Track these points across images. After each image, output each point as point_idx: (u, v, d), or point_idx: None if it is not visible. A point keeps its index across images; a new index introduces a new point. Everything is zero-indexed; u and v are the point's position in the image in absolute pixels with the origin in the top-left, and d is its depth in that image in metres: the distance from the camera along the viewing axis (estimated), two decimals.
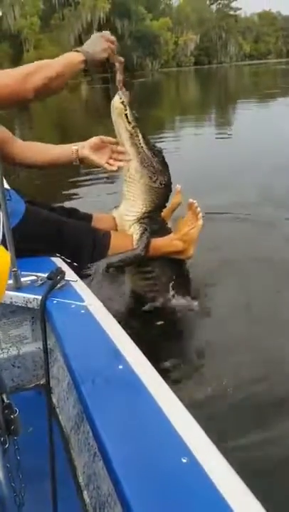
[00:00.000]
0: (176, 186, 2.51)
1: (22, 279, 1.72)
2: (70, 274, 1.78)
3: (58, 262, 2.02)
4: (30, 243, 1.99)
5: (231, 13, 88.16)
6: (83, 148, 2.16)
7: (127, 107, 2.11)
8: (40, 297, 1.55)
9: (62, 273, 1.68)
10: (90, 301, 1.58)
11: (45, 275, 1.69)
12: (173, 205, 2.56)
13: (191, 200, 2.40)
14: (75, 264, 2.12)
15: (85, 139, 2.19)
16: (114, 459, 0.90)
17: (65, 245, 2.14)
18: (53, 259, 2.05)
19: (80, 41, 58.13)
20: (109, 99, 2.19)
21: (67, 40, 57.08)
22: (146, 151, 2.20)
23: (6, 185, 1.95)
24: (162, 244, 2.37)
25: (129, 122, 2.12)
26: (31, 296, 1.69)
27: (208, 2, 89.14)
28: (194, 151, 7.96)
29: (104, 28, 58.88)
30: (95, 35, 1.97)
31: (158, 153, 2.27)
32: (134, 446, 0.94)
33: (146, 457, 0.91)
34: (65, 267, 1.87)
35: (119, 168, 2.18)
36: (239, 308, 2.58)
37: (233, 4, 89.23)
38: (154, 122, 13.16)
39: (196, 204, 2.39)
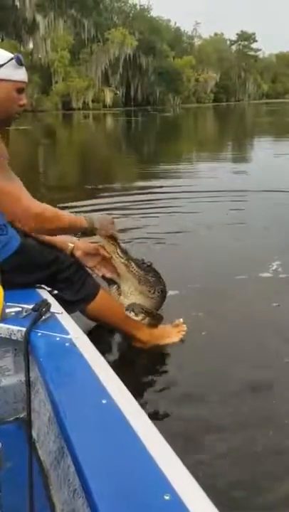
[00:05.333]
0: (180, 320, 2.69)
1: (6, 310, 1.69)
2: (55, 306, 1.76)
3: (44, 293, 2.00)
4: (21, 276, 2.04)
5: (251, 53, 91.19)
6: (78, 249, 2.38)
7: (117, 246, 2.39)
8: (24, 329, 1.54)
9: (48, 305, 1.68)
10: (74, 334, 1.55)
11: (30, 307, 1.68)
12: None
13: (181, 320, 2.65)
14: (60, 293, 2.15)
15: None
16: (95, 495, 0.88)
17: (55, 279, 2.18)
18: (39, 290, 2.04)
19: (106, 74, 60.74)
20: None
21: (95, 73, 59.76)
22: (140, 272, 2.47)
23: (3, 221, 2.04)
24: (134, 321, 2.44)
25: (121, 257, 2.41)
26: (15, 328, 1.65)
27: (228, 42, 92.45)
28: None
29: (130, 63, 61.28)
30: (107, 218, 2.30)
31: (150, 269, 2.57)
32: (116, 482, 0.92)
33: (129, 494, 0.89)
34: (50, 299, 1.85)
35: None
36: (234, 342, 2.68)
37: (253, 45, 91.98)
38: (179, 153, 14.66)
39: (183, 328, 2.61)
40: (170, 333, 2.56)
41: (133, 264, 2.45)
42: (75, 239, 2.41)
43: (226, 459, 1.77)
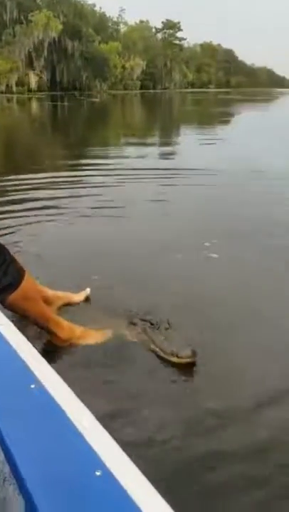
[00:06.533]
0: (87, 289, 2.74)
1: None
2: None
3: None
4: None
5: (176, 42, 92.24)
6: None
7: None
8: None
9: None
10: None
11: None
12: (72, 300, 2.68)
13: None
14: None
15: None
16: (26, 481, 0.87)
17: None
18: None
19: (30, 58, 59.02)
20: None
21: (18, 56, 57.85)
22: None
23: None
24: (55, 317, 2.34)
25: None
26: None
27: (154, 30, 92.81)
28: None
29: (55, 46, 59.95)
30: None
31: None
32: (46, 465, 0.92)
33: (60, 475, 0.90)
34: None
35: None
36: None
37: (178, 34, 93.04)
38: (106, 137, 14.74)
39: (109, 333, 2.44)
40: (92, 335, 2.40)
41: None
42: None
43: (158, 432, 1.75)
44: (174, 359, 2.18)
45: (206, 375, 2.13)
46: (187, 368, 2.16)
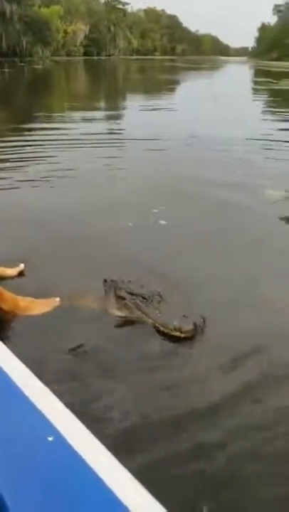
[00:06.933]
0: (20, 265, 2.73)
1: None
2: None
3: None
4: None
5: (120, 6, 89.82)
6: None
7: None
8: None
9: None
10: None
11: None
12: (4, 274, 2.67)
13: None
14: None
15: None
16: None
17: None
18: None
19: None
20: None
21: None
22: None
23: None
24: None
25: None
26: None
27: None
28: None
29: None
30: None
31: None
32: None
33: (12, 442, 0.91)
34: None
35: None
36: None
37: None
38: (50, 106, 14.35)
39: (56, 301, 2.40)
40: (39, 305, 2.36)
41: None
42: None
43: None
44: (177, 333, 2.20)
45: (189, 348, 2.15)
46: (187, 341, 2.18)
